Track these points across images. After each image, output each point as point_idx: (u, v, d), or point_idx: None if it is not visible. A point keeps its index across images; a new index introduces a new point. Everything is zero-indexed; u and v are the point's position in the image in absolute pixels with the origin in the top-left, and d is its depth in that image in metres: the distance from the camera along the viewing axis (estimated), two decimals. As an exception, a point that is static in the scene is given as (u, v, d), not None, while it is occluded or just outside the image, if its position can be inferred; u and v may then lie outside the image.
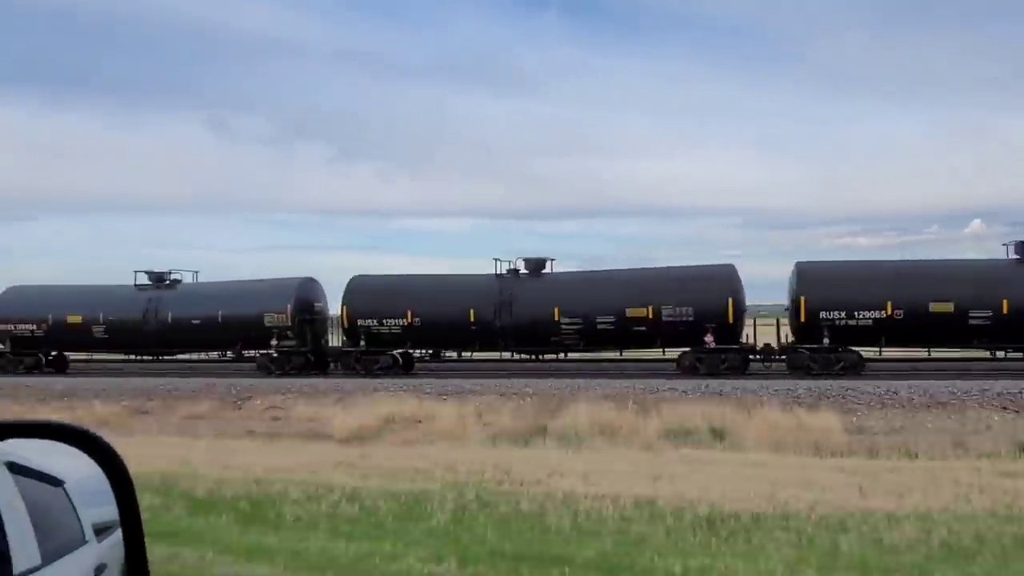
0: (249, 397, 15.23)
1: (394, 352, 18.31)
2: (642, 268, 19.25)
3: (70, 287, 21.79)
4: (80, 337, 20.48)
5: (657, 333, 16.98)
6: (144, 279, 20.66)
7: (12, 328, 20.58)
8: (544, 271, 18.67)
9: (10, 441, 0.65)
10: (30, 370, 20.31)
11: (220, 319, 19.01)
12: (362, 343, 18.05)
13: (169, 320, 19.45)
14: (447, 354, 20.95)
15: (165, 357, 21.08)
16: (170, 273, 21.03)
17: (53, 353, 21.20)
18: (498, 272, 18.22)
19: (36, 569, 0.67)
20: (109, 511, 0.71)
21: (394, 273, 20.17)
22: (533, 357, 18.78)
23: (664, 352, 18.18)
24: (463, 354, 20.87)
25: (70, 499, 0.75)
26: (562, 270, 19.37)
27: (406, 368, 18.55)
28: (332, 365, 19.25)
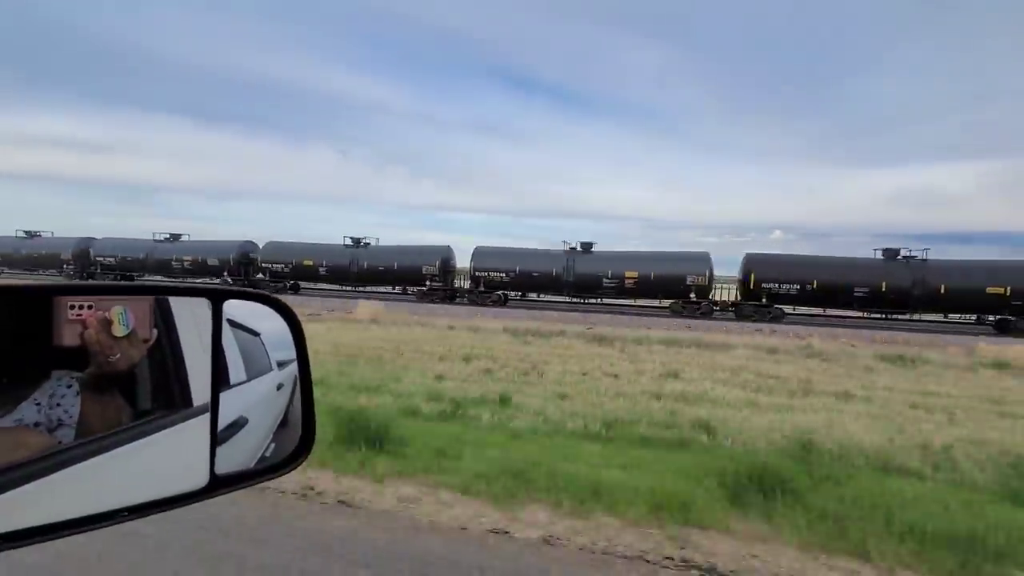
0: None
1: (502, 293, 30.21)
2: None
3: (305, 244, 35.30)
4: (310, 273, 34.04)
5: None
6: (348, 242, 33.85)
7: (270, 266, 34.56)
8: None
9: (230, 302, 0.98)
10: (282, 291, 34.15)
11: (396, 267, 31.79)
12: (482, 286, 30.07)
13: (366, 267, 32.43)
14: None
15: (360, 289, 34.22)
16: (363, 239, 34.03)
17: (292, 282, 34.98)
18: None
19: (244, 382, 1.06)
20: (288, 353, 1.07)
21: (506, 247, 31.92)
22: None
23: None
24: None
25: (263, 344, 1.14)
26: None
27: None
28: (461, 296, 31.61)
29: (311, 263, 33.71)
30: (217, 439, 0.91)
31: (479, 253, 30.63)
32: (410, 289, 32.27)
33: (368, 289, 34.07)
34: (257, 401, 1.10)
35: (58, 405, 0.70)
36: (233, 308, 0.98)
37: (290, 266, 34.10)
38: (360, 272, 32.72)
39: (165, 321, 0.87)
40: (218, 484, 0.91)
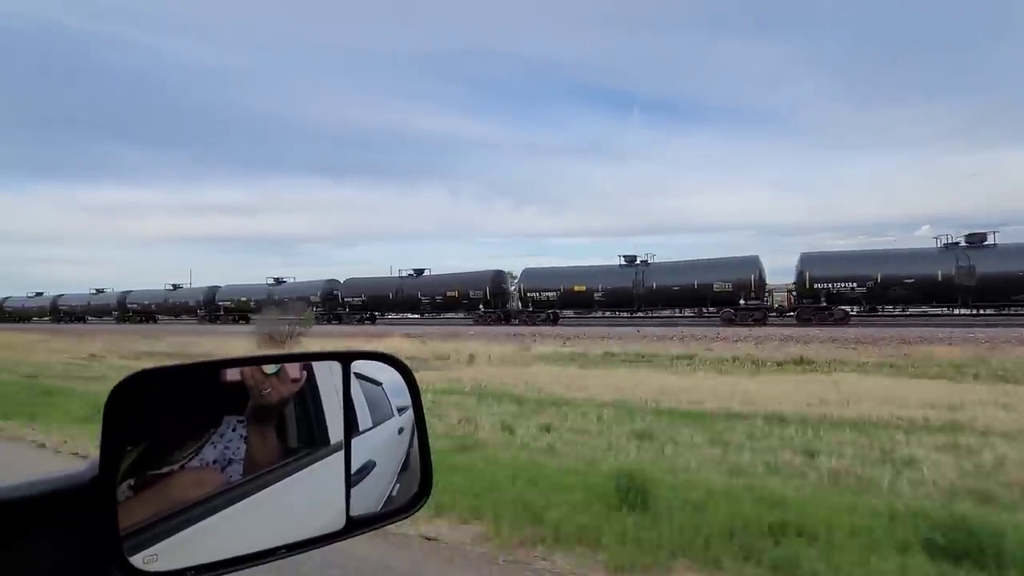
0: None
1: (848, 308, 23.97)
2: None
3: (571, 268, 31.95)
4: (582, 300, 30.36)
5: None
6: (623, 261, 29.84)
7: (534, 295, 31.47)
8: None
9: (357, 362, 1.15)
10: (545, 322, 30.75)
11: (695, 285, 26.95)
12: (823, 301, 24.04)
13: (654, 287, 28.02)
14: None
15: (642, 315, 29.85)
16: (644, 256, 29.85)
17: (551, 312, 31.56)
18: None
19: (370, 428, 1.16)
20: (404, 400, 1.21)
21: (849, 249, 25.78)
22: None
23: None
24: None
25: (385, 393, 1.23)
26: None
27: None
28: (778, 316, 25.83)
29: (583, 288, 29.98)
30: (351, 482, 1.04)
31: (809, 259, 24.75)
32: (705, 311, 27.13)
33: (624, 313, 29.49)
34: (382, 445, 1.21)
35: (229, 444, 0.84)
36: (358, 365, 1.15)
37: (556, 293, 30.68)
38: (646, 294, 28.28)
39: (306, 371, 1.05)
40: (353, 526, 1.01)
